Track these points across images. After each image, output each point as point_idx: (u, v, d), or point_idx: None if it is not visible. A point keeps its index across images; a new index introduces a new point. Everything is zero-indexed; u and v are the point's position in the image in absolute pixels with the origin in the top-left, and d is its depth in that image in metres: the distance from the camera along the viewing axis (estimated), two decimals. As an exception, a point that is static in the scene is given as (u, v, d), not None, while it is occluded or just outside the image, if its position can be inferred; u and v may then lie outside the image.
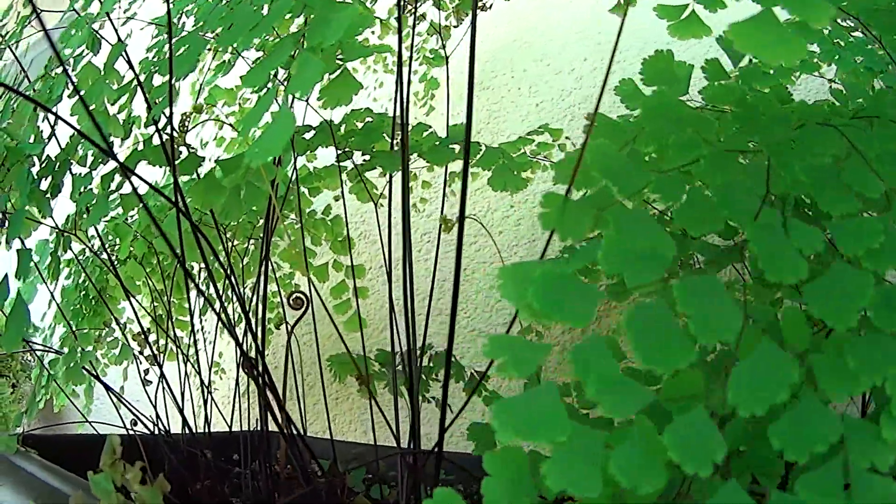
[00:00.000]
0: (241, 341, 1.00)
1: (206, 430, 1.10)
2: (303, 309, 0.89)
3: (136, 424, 1.04)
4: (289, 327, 1.21)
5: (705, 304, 0.40)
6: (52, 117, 0.93)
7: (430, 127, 1.11)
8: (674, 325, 0.40)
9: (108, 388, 1.02)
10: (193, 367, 1.11)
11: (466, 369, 1.25)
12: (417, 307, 1.52)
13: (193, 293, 1.27)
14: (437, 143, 1.06)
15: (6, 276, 0.72)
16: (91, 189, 0.85)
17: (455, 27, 1.29)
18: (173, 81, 0.71)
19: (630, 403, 0.38)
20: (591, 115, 0.84)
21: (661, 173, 0.54)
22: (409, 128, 1.14)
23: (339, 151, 1.08)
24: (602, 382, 0.37)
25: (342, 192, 1.02)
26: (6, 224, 0.85)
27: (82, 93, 0.86)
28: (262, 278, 0.98)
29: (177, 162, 0.85)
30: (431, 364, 1.27)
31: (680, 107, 0.67)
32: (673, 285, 0.41)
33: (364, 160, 1.07)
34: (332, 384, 1.56)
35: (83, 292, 1.34)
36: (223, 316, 0.88)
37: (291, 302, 0.89)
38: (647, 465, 0.36)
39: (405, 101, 0.79)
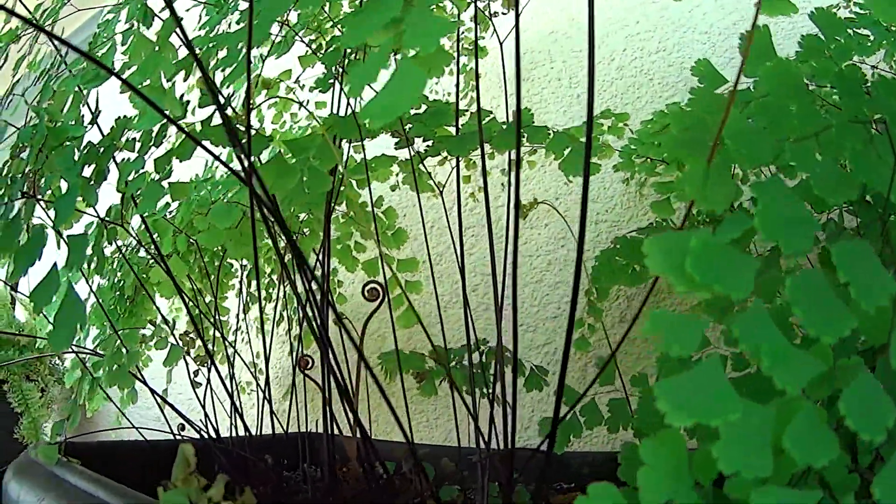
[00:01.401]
0: (315, 337, 0.88)
1: (264, 432, 0.98)
2: (378, 300, 0.78)
3: (183, 429, 0.92)
4: (336, 320, 1.09)
5: (861, 268, 0.37)
6: (93, 101, 0.81)
7: (491, 112, 1.01)
8: (832, 293, 0.37)
9: (153, 391, 0.90)
10: (248, 366, 0.99)
11: (525, 363, 1.13)
12: (460, 303, 1.41)
13: (246, 289, 1.15)
14: (505, 127, 0.94)
15: (55, 266, 0.60)
16: (144, 173, 0.73)
17: (504, 14, 1.17)
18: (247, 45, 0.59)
19: (803, 374, 0.34)
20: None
21: (795, 142, 0.51)
22: (468, 114, 1.03)
23: (399, 138, 0.97)
24: (775, 355, 0.34)
25: (415, 182, 0.91)
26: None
27: (131, 71, 0.74)
28: (325, 267, 0.86)
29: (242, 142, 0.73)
30: (485, 360, 1.15)
31: (800, 77, 0.60)
32: (831, 251, 0.38)
33: (427, 146, 0.95)
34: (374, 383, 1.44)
35: (118, 291, 1.21)
36: (301, 307, 0.76)
37: (367, 293, 0.77)
38: (821, 438, 0.34)
39: (518, 78, 0.67)
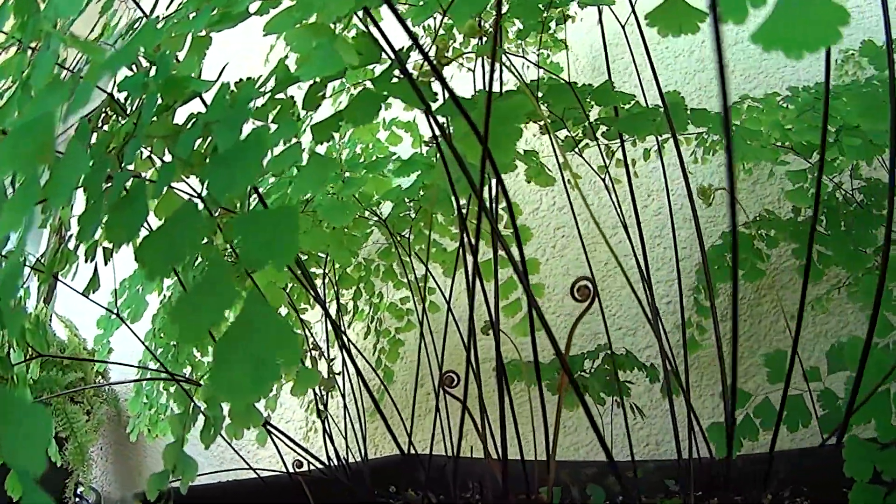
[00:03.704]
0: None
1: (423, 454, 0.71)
2: (588, 301, 0.53)
3: (300, 466, 0.65)
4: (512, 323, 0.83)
5: None
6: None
7: (634, 97, 0.78)
8: None
9: (267, 423, 0.63)
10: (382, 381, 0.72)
11: (658, 368, 0.89)
12: (553, 307, 1.16)
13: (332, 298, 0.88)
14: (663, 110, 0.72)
15: (221, 266, 0.34)
16: (295, 145, 0.46)
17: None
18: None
19: None
20: None
21: None
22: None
23: (546, 122, 0.72)
24: None
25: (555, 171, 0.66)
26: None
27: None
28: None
29: (435, 105, 0.48)
30: (607, 366, 0.91)
31: None
32: None
33: (572, 132, 0.71)
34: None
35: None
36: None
37: (577, 293, 0.53)
38: None
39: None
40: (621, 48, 1.21)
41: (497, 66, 0.99)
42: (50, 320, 1.43)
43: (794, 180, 0.90)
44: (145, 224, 0.45)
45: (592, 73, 1.22)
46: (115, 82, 0.58)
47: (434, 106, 0.47)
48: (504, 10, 0.66)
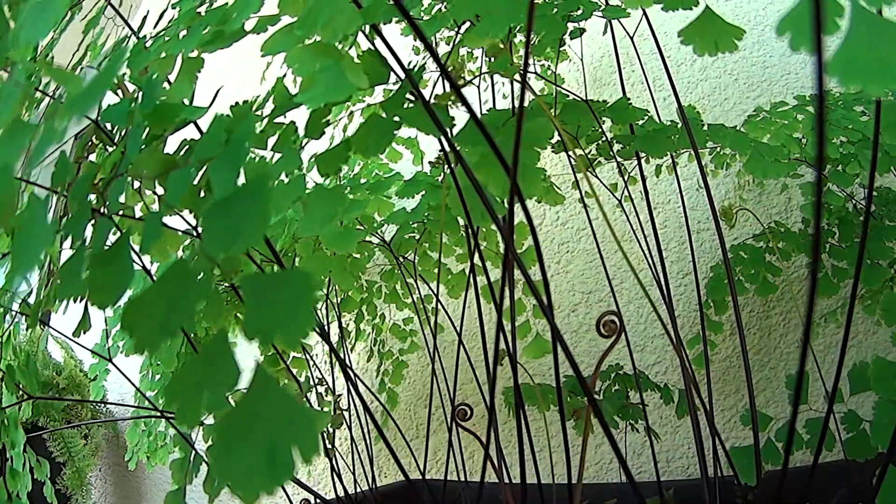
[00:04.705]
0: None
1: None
2: (615, 337, 0.48)
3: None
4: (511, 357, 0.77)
5: None
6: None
7: (648, 112, 0.73)
8: None
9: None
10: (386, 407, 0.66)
11: (672, 388, 0.84)
12: (560, 324, 1.11)
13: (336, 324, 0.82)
14: (680, 126, 0.67)
15: (225, 338, 0.28)
16: (300, 177, 0.41)
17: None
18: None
19: None
20: None
21: None
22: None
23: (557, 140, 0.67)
24: None
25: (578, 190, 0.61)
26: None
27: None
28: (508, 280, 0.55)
29: (456, 130, 0.42)
30: (618, 387, 0.86)
31: None
32: None
33: (596, 146, 0.65)
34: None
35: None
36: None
37: (602, 328, 0.48)
38: None
39: None
40: (623, 58, 1.16)
41: (505, 81, 0.93)
42: (46, 343, 1.36)
43: (809, 193, 0.85)
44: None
45: (594, 84, 1.16)
46: (99, 108, 0.52)
47: (451, 132, 0.41)
48: (520, 25, 0.61)
